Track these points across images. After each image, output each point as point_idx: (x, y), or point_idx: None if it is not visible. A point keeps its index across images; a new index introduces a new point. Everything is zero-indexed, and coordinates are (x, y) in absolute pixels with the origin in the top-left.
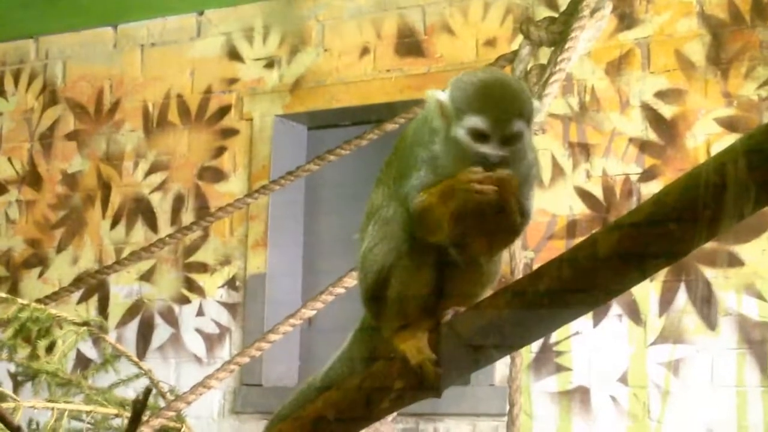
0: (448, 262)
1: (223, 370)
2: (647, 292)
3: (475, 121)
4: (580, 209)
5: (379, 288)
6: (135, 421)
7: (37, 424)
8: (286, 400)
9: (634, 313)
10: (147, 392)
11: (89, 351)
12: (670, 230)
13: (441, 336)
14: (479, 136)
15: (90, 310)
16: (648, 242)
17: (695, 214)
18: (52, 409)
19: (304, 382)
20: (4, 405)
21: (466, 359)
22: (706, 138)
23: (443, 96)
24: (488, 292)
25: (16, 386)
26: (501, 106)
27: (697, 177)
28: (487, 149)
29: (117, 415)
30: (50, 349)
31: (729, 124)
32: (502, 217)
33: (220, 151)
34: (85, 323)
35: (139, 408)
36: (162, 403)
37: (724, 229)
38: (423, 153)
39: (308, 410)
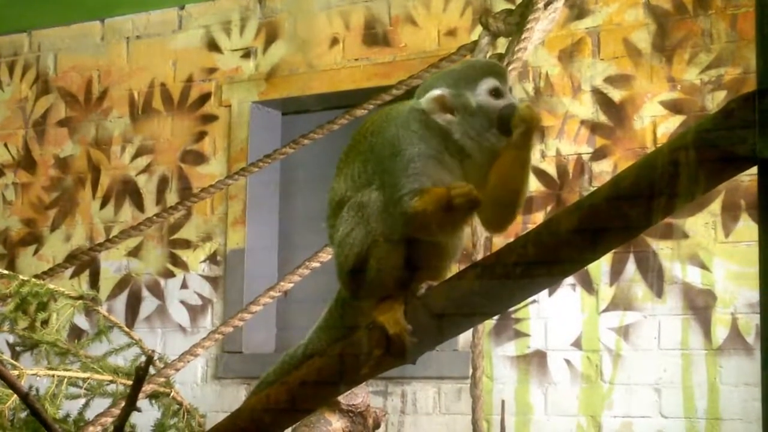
0: (418, 240)
1: (208, 339)
2: (599, 263)
3: (491, 82)
4: (536, 187)
5: (359, 268)
6: (137, 386)
7: (37, 390)
8: (271, 368)
9: (586, 282)
10: (149, 360)
11: (81, 322)
12: (626, 210)
13: (416, 308)
14: (497, 93)
15: (82, 285)
16: (606, 221)
17: (649, 196)
18: (53, 376)
19: (285, 353)
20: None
21: (439, 329)
22: (652, 120)
23: (439, 92)
24: (453, 265)
25: (14, 356)
26: (496, 66)
27: (651, 162)
28: (508, 100)
29: (111, 381)
30: (46, 321)
31: (673, 107)
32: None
33: (201, 135)
34: (80, 297)
35: (141, 375)
36: (152, 370)
37: (676, 210)
38: (422, 149)
39: (294, 376)
